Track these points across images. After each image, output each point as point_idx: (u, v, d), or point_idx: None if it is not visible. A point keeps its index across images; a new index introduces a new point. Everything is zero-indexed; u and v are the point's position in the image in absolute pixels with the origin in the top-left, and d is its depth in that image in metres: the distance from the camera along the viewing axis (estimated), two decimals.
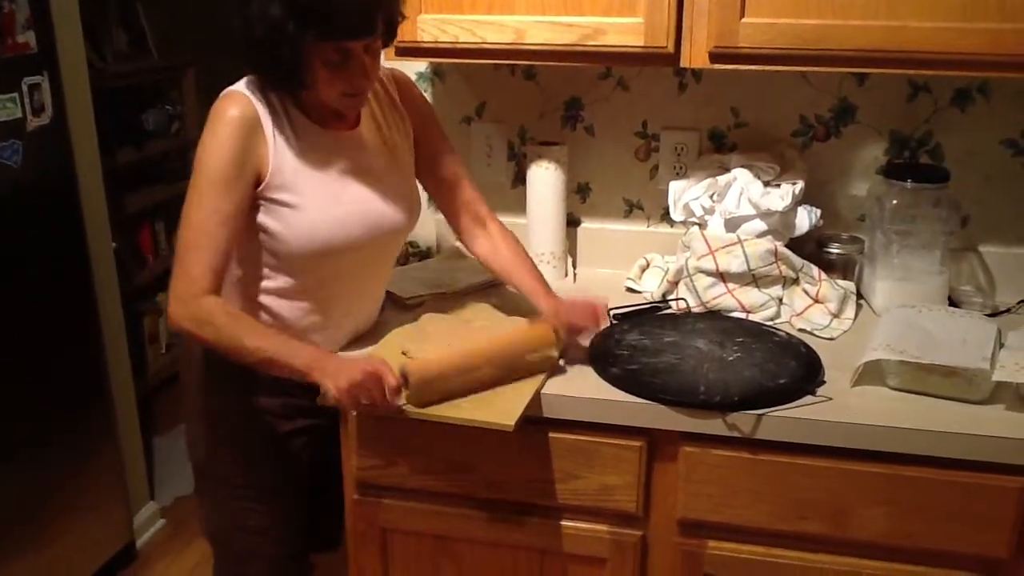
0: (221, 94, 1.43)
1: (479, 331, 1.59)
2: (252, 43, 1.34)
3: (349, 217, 1.48)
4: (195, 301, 1.38)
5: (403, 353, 1.51)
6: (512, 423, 1.34)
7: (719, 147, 1.92)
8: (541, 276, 1.65)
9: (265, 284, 1.50)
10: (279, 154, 1.42)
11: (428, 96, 2.02)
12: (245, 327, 1.41)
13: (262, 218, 1.44)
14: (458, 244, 1.80)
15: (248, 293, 1.51)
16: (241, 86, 1.43)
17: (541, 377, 1.47)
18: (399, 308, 1.78)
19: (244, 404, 1.56)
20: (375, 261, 1.60)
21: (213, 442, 1.60)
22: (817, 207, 1.80)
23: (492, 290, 1.84)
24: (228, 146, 1.38)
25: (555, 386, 1.48)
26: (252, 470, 1.60)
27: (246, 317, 1.44)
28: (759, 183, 1.74)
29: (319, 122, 1.47)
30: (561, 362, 1.53)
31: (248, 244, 1.47)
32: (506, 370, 1.45)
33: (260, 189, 1.42)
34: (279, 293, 1.50)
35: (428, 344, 1.54)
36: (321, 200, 1.46)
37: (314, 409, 1.51)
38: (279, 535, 1.63)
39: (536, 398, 1.44)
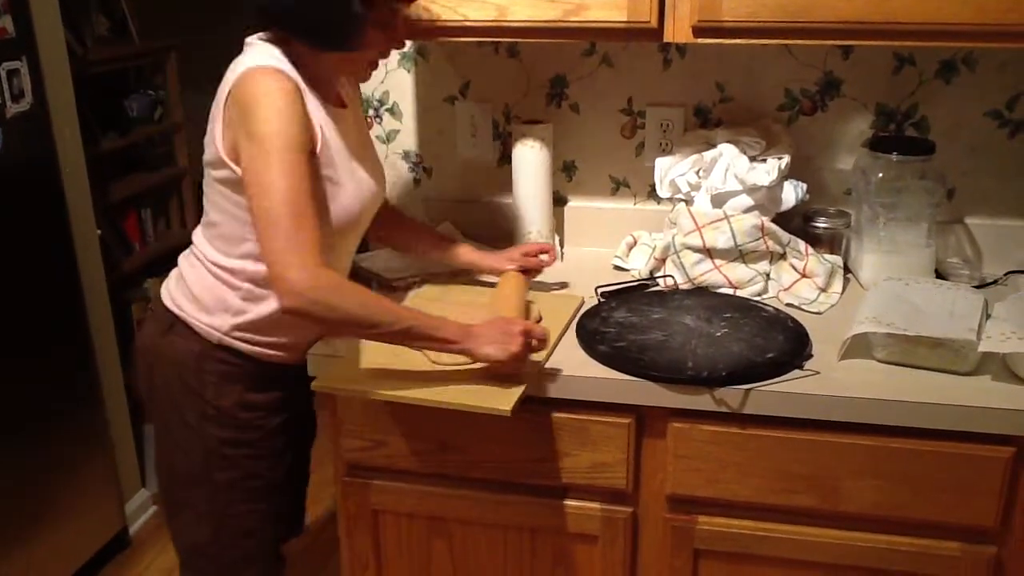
0: (249, 69, 1.34)
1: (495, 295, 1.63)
2: (317, 13, 1.33)
3: (362, 192, 1.49)
4: (319, 268, 1.28)
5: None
6: (508, 408, 1.33)
7: (705, 123, 1.91)
8: (450, 238, 1.78)
9: (257, 265, 1.43)
10: (318, 129, 1.40)
11: (411, 76, 2.01)
12: (372, 297, 1.35)
13: None
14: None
15: (237, 271, 1.46)
16: (270, 60, 1.36)
17: (539, 359, 1.46)
18: (386, 290, 1.77)
19: (239, 402, 1.51)
20: (358, 237, 1.60)
21: (208, 447, 1.51)
22: (803, 181, 1.80)
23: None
24: (293, 114, 1.32)
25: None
26: (257, 468, 1.54)
27: (363, 288, 1.37)
28: (745, 158, 1.74)
29: (326, 100, 1.45)
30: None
31: (242, 220, 1.41)
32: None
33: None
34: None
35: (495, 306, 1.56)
36: (346, 176, 1.45)
37: (296, 400, 1.53)
38: (269, 534, 1.61)
39: (536, 378, 1.43)
